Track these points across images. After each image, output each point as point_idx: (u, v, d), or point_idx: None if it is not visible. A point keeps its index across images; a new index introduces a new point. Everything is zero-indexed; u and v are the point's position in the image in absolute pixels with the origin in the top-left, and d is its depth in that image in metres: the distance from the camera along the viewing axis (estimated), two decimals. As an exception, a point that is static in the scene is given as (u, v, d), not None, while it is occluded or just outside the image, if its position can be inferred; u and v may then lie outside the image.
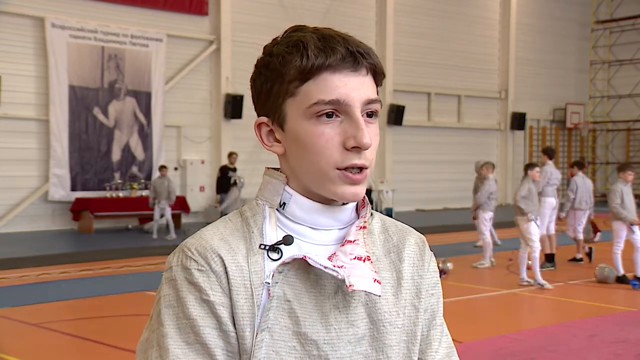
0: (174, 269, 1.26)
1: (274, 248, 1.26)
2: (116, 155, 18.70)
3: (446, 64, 25.72)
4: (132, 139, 18.97)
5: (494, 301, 9.83)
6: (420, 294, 1.37)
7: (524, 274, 10.68)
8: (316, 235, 1.30)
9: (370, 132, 1.26)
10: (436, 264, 1.44)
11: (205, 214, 19.46)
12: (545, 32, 29.09)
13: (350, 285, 1.21)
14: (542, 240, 12.12)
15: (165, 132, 19.46)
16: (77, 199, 17.50)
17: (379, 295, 1.25)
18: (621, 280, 10.73)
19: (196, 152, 20.23)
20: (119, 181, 18.56)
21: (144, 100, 19.04)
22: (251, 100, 1.37)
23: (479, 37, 26.95)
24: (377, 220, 1.39)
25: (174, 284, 1.25)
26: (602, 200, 29.64)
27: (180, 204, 18.60)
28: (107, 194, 18.20)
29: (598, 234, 13.42)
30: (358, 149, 1.24)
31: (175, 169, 19.96)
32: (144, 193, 18.57)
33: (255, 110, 1.34)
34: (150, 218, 18.27)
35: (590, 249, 12.88)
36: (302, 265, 1.25)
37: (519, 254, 10.79)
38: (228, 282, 1.23)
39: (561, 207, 13.36)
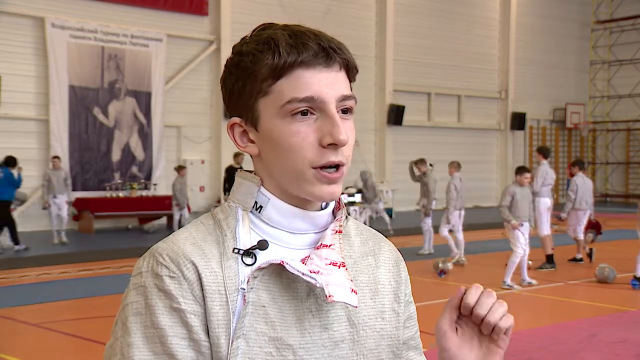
0: (143, 275, 1.21)
1: (248, 253, 1.23)
2: (116, 155, 18.70)
3: (446, 64, 25.72)
4: (132, 139, 18.98)
5: (494, 301, 9.81)
6: (399, 300, 1.37)
7: (525, 274, 10.70)
8: (292, 239, 1.27)
9: (346, 129, 1.22)
10: (407, 272, 1.44)
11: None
12: (545, 32, 29.08)
13: (330, 296, 1.19)
14: (543, 241, 12.14)
15: (165, 132, 19.47)
16: (77, 199, 17.50)
17: (356, 307, 1.23)
18: None
19: (196, 152, 20.23)
20: (119, 181, 18.57)
21: (144, 100, 19.04)
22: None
23: (479, 37, 26.95)
24: (352, 223, 1.38)
25: (142, 290, 1.20)
26: (601, 200, 29.69)
27: (180, 204, 18.61)
28: (107, 194, 18.21)
29: (598, 235, 13.43)
30: (335, 145, 1.21)
31: (175, 169, 19.96)
32: (144, 193, 18.58)
33: (227, 111, 1.30)
34: (149, 218, 18.30)
35: (591, 249, 12.88)
36: (276, 269, 1.22)
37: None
38: (202, 290, 1.18)
39: (556, 207, 13.36)
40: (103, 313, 8.82)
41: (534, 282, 10.66)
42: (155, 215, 18.30)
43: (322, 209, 1.30)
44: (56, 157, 15.65)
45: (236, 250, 1.23)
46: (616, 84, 30.86)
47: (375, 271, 1.35)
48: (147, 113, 19.12)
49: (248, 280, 1.21)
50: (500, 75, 27.79)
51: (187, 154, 20.12)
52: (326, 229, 1.29)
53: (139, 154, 19.08)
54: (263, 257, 1.23)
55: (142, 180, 18.91)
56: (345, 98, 1.24)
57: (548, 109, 29.71)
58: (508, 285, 10.41)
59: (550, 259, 12.17)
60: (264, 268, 1.21)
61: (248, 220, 1.27)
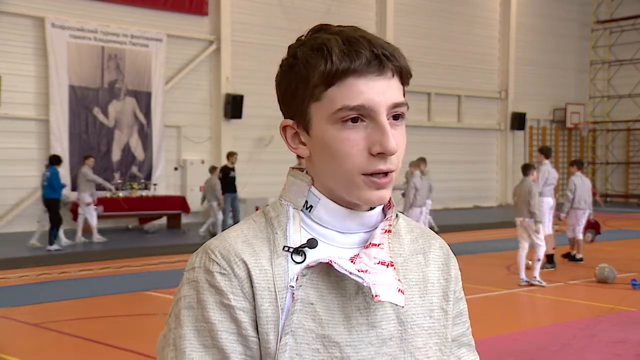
0: (196, 270, 1.25)
1: (297, 251, 1.25)
2: (116, 155, 18.70)
3: (446, 64, 25.72)
4: (132, 139, 18.97)
5: (494, 301, 9.83)
6: (448, 297, 1.38)
7: (523, 274, 10.70)
8: (341, 238, 1.29)
9: (397, 135, 1.24)
10: (459, 270, 1.45)
11: (205, 214, 19.45)
12: (545, 32, 29.08)
13: (376, 296, 1.21)
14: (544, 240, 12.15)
15: (165, 132, 19.47)
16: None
17: (403, 307, 1.24)
18: None
19: (196, 152, 20.23)
20: (119, 181, 18.56)
21: (144, 100, 19.04)
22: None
23: (479, 37, 26.95)
24: (402, 221, 1.40)
25: (195, 285, 1.24)
26: (601, 200, 29.67)
27: (180, 204, 18.62)
28: (107, 194, 18.19)
29: (597, 235, 13.43)
30: (383, 154, 1.23)
31: (175, 169, 19.97)
32: (144, 193, 18.59)
33: (281, 110, 1.33)
34: (149, 218, 18.32)
35: (572, 254, 12.84)
36: (324, 267, 1.24)
37: (517, 255, 10.77)
38: (252, 287, 1.22)
39: (558, 206, 13.35)
40: (103, 313, 8.82)
41: (532, 281, 10.67)
42: (155, 215, 18.31)
43: (371, 208, 1.32)
44: (90, 156, 16.02)
45: (286, 249, 1.26)
46: (616, 84, 30.86)
47: (424, 269, 1.37)
48: (147, 113, 19.12)
49: (297, 278, 1.23)
50: (500, 75, 27.79)
51: (187, 154, 20.12)
52: (376, 227, 1.31)
53: (139, 154, 19.08)
54: (312, 256, 1.25)
55: (142, 180, 18.90)
56: (396, 105, 1.25)
57: (548, 109, 29.70)
58: (538, 281, 10.51)
59: (550, 258, 12.17)
60: (312, 266, 1.23)
61: (299, 218, 1.29)
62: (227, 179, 16.90)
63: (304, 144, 1.30)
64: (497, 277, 11.31)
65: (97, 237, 15.57)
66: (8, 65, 17.01)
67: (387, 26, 23.79)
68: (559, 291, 10.41)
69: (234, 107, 19.89)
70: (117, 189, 18.41)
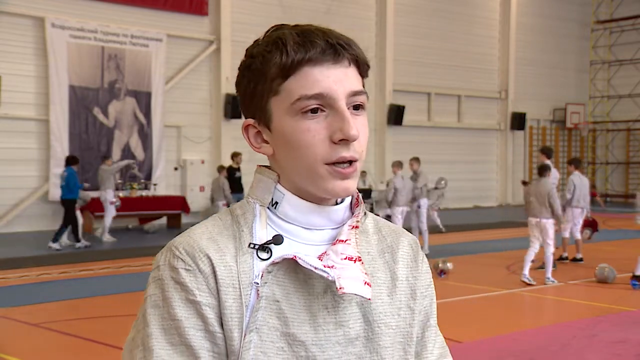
0: (161, 268, 1.24)
1: (263, 247, 1.24)
2: (116, 155, 18.69)
3: (446, 64, 25.72)
4: (132, 139, 18.98)
5: (494, 301, 9.83)
6: (415, 295, 1.35)
7: (527, 271, 10.65)
8: (308, 234, 1.28)
9: (358, 124, 1.24)
10: (429, 266, 1.43)
11: (205, 214, 19.45)
12: (545, 32, 29.09)
13: (340, 288, 1.19)
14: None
15: (165, 132, 19.47)
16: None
17: (369, 299, 1.22)
18: None
19: (196, 152, 20.24)
20: (119, 181, 18.55)
21: (144, 100, 19.04)
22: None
23: (479, 37, 26.95)
24: (370, 220, 1.37)
25: (160, 283, 1.23)
26: (602, 200, 29.65)
27: (180, 204, 18.62)
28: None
29: (595, 233, 13.42)
30: (346, 141, 1.22)
31: (175, 169, 19.97)
32: (144, 193, 18.59)
33: (242, 113, 1.32)
34: (149, 218, 18.30)
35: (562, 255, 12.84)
36: (292, 265, 1.22)
37: (526, 253, 10.74)
38: (216, 283, 1.20)
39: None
40: (103, 313, 8.81)
41: (533, 280, 10.67)
42: (155, 215, 18.31)
43: (337, 203, 1.30)
44: (108, 157, 16.45)
45: (252, 245, 1.24)
46: (616, 84, 30.86)
47: (393, 267, 1.34)
48: (147, 113, 19.12)
49: (262, 275, 1.22)
50: (500, 75, 27.79)
51: (187, 154, 20.12)
52: (343, 224, 1.30)
53: (139, 154, 19.08)
54: (278, 252, 1.24)
55: (142, 180, 18.90)
56: (355, 94, 1.25)
57: (548, 109, 29.71)
58: (552, 280, 10.54)
59: (550, 258, 12.16)
60: (277, 263, 1.22)
61: (265, 216, 1.28)
62: (232, 180, 16.89)
63: (266, 142, 1.29)
64: (497, 277, 11.30)
65: (107, 237, 15.61)
66: (8, 65, 17.02)
67: (387, 26, 23.80)
68: (559, 291, 10.41)
69: (234, 107, 19.89)
70: (117, 188, 18.41)
